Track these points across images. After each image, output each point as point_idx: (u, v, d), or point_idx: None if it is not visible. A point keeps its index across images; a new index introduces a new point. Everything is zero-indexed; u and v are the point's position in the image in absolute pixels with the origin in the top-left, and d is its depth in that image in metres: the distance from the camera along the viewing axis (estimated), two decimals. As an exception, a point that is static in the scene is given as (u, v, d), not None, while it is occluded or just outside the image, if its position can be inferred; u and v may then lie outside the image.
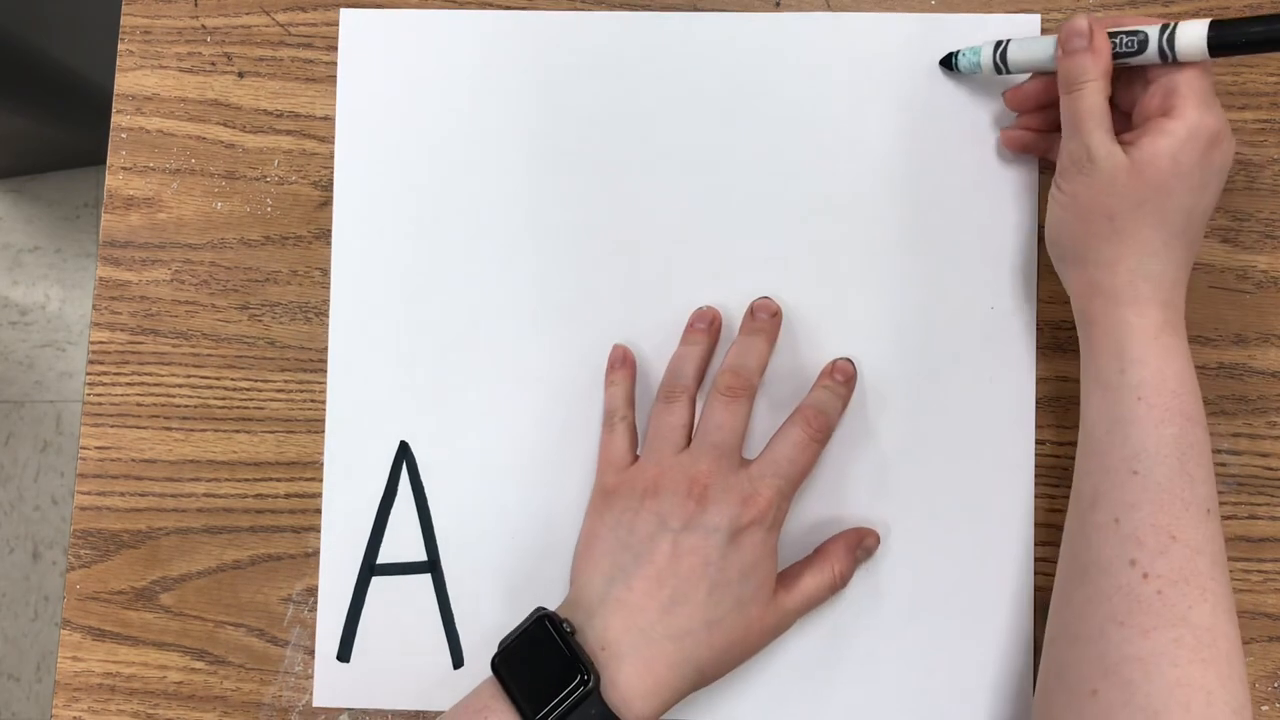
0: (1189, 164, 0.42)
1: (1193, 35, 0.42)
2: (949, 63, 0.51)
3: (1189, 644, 0.39)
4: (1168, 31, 0.42)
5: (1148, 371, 0.42)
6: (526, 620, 0.44)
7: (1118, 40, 0.43)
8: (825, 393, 0.49)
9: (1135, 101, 0.45)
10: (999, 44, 0.48)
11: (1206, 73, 0.43)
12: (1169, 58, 0.42)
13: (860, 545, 0.49)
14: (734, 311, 0.51)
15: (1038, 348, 0.51)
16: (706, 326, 0.50)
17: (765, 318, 0.50)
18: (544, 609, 0.44)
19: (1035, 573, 0.50)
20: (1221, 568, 0.41)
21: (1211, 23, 0.41)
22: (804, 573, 0.47)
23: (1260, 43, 0.41)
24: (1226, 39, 0.41)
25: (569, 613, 0.44)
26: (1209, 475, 0.42)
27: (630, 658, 0.42)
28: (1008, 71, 0.49)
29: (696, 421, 0.47)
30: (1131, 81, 0.45)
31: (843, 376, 0.50)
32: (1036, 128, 0.50)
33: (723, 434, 0.46)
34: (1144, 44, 0.43)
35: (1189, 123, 0.42)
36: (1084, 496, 0.43)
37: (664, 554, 0.43)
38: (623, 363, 0.50)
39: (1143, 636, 0.39)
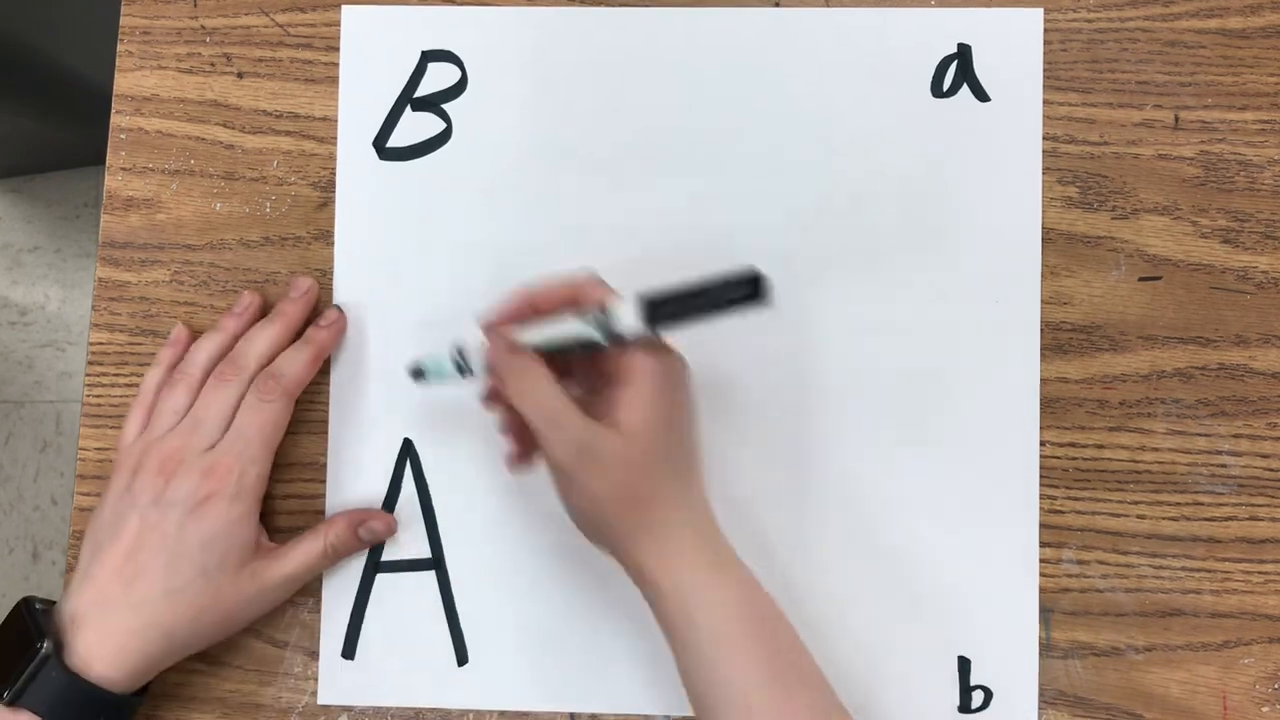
0: (668, 409, 0.42)
1: (630, 322, 0.41)
2: (418, 375, 0.48)
3: None
4: (602, 324, 0.41)
5: (716, 614, 0.42)
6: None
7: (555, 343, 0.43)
8: (291, 352, 0.49)
9: (586, 371, 0.46)
10: (457, 347, 0.46)
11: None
12: (608, 341, 0.42)
13: (364, 525, 0.50)
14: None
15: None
16: (241, 312, 0.51)
17: (295, 297, 0.51)
18: (32, 596, 0.46)
19: (1040, 574, 0.50)
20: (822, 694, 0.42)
21: (645, 303, 0.41)
22: (300, 541, 0.49)
23: (693, 315, 0.40)
24: (661, 316, 0.40)
25: (63, 593, 0.46)
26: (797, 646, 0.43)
27: (92, 627, 0.44)
28: (472, 372, 0.46)
29: None
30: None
31: (326, 323, 0.51)
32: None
33: (205, 413, 0.47)
34: (585, 344, 0.42)
35: (651, 376, 0.42)
36: None
37: (131, 530, 0.46)
38: (175, 344, 0.51)
39: None
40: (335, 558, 0.50)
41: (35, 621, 0.44)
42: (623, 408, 0.42)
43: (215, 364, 0.50)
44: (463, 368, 0.46)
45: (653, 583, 0.43)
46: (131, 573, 0.45)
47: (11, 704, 0.43)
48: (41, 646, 0.43)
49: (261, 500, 0.48)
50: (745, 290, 0.40)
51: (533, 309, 0.45)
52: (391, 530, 0.51)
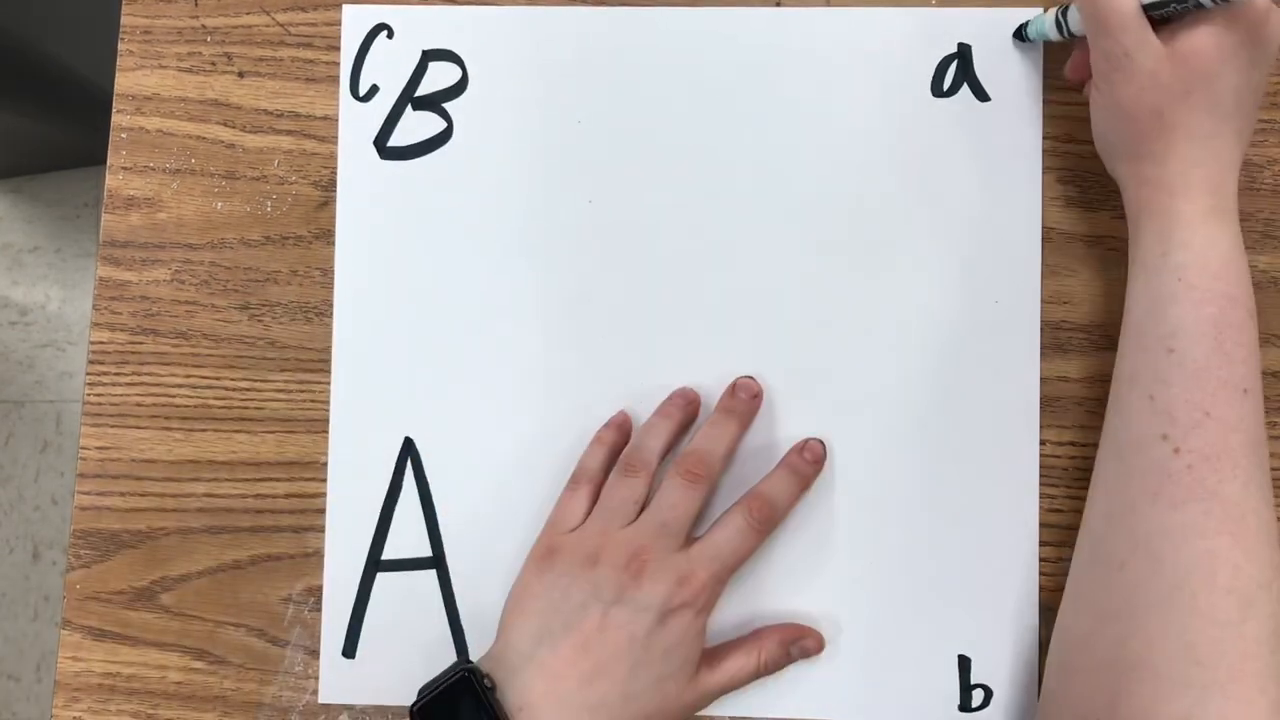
0: (1233, 45, 0.41)
1: None
2: (1020, 34, 0.51)
3: (1217, 516, 0.39)
4: None
5: (1190, 254, 0.42)
6: (449, 672, 0.45)
7: None
8: (779, 480, 0.48)
9: None
10: (1062, 8, 0.48)
11: None
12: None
13: (796, 642, 0.48)
14: (731, 311, 0.51)
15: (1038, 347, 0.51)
16: (683, 405, 0.50)
17: (745, 398, 0.49)
18: (468, 663, 0.45)
19: (1040, 573, 0.50)
20: (1256, 447, 0.41)
21: None
22: (732, 653, 0.47)
23: None
24: None
25: (492, 666, 0.45)
26: (1249, 356, 0.42)
27: None
28: (1070, 34, 0.48)
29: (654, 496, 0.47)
30: None
31: (811, 457, 0.49)
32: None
33: (674, 514, 0.46)
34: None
35: (1233, 20, 0.41)
36: (1122, 376, 0.44)
37: (593, 624, 0.44)
38: (618, 427, 0.50)
39: (1172, 510, 0.40)
40: (765, 673, 0.48)
41: (491, 705, 0.43)
42: (1184, 32, 0.41)
43: (664, 454, 0.49)
44: (1062, 26, 0.48)
45: (1138, 206, 0.44)
46: (590, 670, 0.44)
47: None
48: None
49: None
50: None
51: None
52: (821, 647, 0.49)
